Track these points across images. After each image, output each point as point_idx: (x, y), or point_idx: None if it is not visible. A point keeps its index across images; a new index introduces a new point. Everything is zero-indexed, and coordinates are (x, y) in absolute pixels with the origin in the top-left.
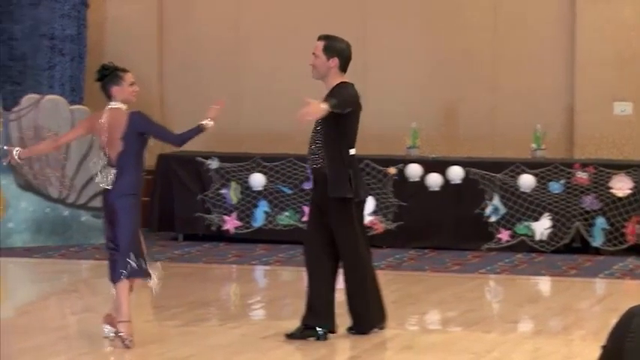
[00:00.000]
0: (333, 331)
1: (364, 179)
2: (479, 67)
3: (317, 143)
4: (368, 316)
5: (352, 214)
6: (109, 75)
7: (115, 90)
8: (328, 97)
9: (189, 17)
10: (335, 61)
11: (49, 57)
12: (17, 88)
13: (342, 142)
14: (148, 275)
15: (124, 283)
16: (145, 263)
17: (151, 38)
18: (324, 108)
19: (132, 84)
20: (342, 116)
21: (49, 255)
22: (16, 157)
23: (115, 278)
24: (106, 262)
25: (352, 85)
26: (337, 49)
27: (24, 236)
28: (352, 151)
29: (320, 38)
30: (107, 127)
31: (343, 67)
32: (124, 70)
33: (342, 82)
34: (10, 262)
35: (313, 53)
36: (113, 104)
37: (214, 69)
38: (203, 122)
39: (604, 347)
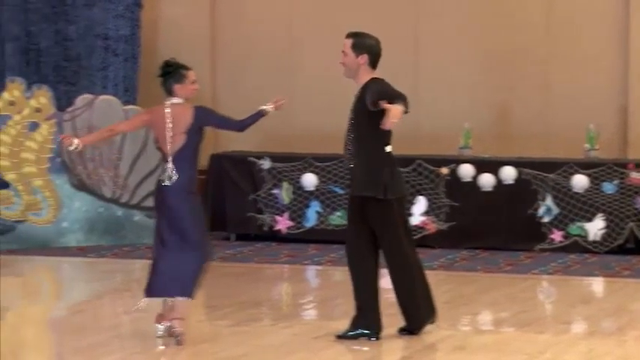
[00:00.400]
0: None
1: (403, 176)
2: (531, 67)
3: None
4: (418, 316)
5: (393, 212)
6: (172, 72)
7: (177, 87)
8: (397, 99)
9: (242, 17)
10: (364, 58)
11: (103, 57)
12: (71, 88)
13: (379, 140)
14: None
15: None
16: None
17: (204, 38)
18: (402, 110)
19: (193, 82)
20: (380, 114)
21: (102, 254)
22: (74, 146)
23: (185, 293)
24: None
25: (385, 80)
26: (366, 46)
27: (77, 236)
28: (388, 149)
29: (348, 36)
30: (172, 122)
31: (373, 64)
32: (187, 68)
33: (375, 79)
34: (63, 262)
35: (342, 51)
36: (175, 100)
37: (267, 69)
38: (263, 107)
39: None
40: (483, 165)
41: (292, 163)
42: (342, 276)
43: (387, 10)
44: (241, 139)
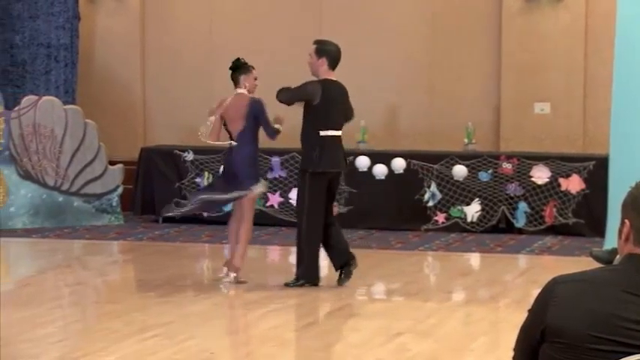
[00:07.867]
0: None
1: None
2: (418, 72)
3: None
4: (300, 269)
5: (305, 183)
6: (240, 66)
7: (242, 78)
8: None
9: (168, 28)
10: (323, 61)
11: (46, 63)
12: (18, 90)
13: (313, 124)
14: None
15: None
16: None
17: (134, 47)
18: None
19: (255, 79)
20: (311, 104)
21: (46, 235)
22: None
23: None
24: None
25: (318, 81)
26: (326, 51)
27: (24, 219)
28: (322, 133)
29: (314, 42)
30: (233, 108)
31: (331, 65)
32: (252, 67)
33: (323, 79)
34: (11, 242)
35: (309, 54)
36: (239, 90)
37: (189, 73)
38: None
39: (529, 311)
40: (377, 157)
41: (212, 155)
42: (255, 253)
43: (292, 25)
44: (168, 134)
